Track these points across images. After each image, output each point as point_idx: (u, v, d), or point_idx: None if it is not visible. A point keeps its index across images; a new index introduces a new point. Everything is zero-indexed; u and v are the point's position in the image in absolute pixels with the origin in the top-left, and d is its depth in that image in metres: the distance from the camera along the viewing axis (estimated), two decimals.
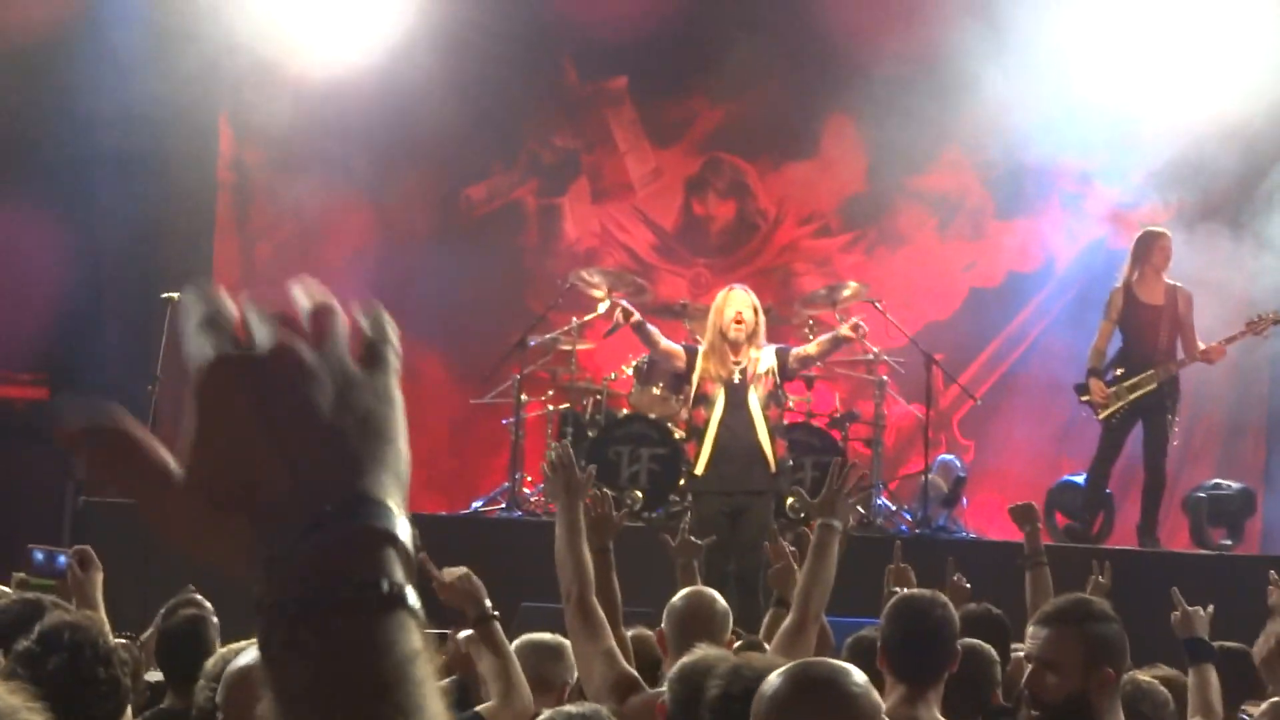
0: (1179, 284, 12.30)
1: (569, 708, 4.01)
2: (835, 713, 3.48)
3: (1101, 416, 12.25)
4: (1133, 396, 12.09)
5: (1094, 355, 12.39)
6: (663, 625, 5.58)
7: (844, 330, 11.01)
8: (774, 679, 3.58)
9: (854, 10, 15.16)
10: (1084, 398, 12.40)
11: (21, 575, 7.94)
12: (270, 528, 1.16)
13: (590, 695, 5.41)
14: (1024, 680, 4.59)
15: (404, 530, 1.18)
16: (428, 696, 1.13)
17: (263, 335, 1.22)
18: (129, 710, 4.39)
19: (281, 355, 1.20)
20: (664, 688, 5.35)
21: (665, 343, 11.04)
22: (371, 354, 1.27)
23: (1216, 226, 14.53)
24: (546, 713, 4.01)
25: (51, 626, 4.22)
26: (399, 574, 1.16)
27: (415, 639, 1.15)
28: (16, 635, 4.35)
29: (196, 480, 1.19)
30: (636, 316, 11.02)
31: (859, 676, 3.57)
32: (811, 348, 11.12)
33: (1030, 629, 4.70)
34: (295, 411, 1.18)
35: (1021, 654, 5.48)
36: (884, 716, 3.62)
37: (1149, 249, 12.30)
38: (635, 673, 5.50)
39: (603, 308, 11.60)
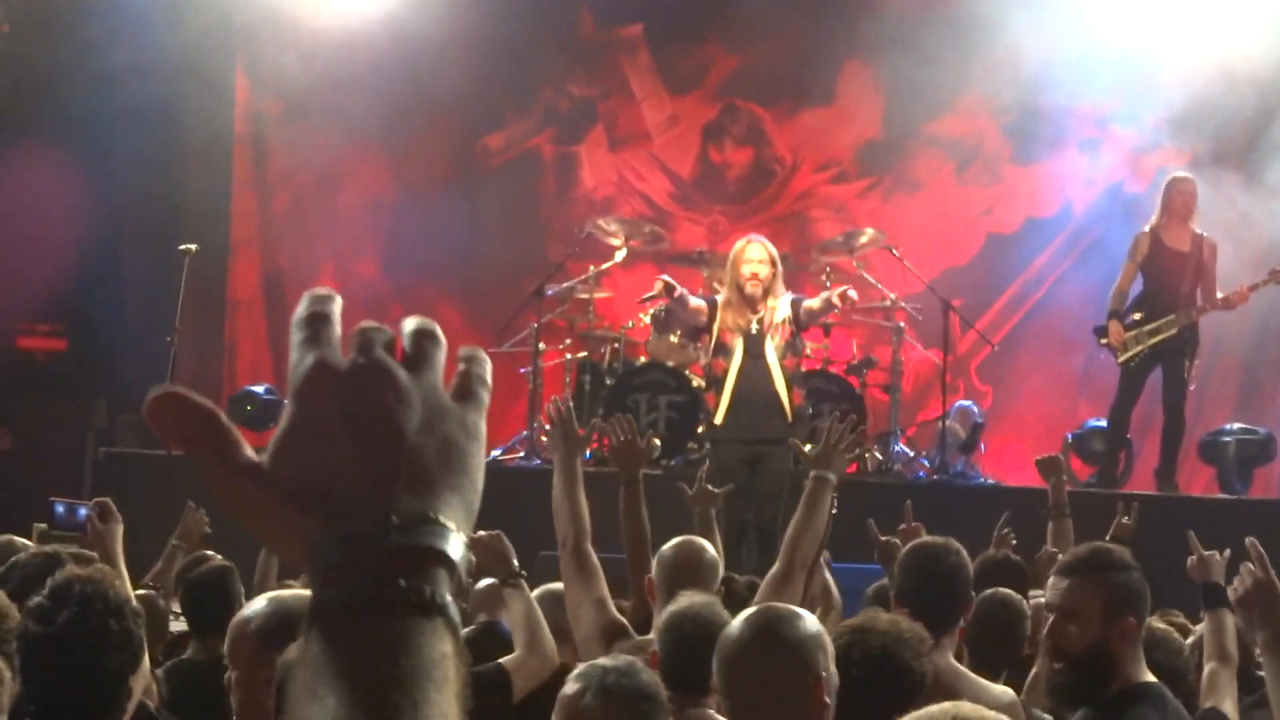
0: (1205, 233, 12.26)
1: (604, 660, 3.99)
2: (785, 656, 3.59)
3: (1121, 360, 12.22)
4: (1152, 341, 12.07)
5: (1116, 297, 12.35)
6: (653, 573, 5.57)
7: (834, 297, 10.93)
8: (735, 622, 3.67)
9: None
10: (1103, 340, 12.36)
11: (43, 527, 7.98)
12: (335, 530, 1.23)
13: (579, 640, 5.46)
14: (1045, 631, 4.57)
15: (457, 552, 1.25)
16: (444, 697, 1.20)
17: (365, 351, 1.30)
18: (145, 662, 4.39)
19: (379, 372, 1.28)
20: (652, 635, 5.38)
21: (694, 302, 11.01)
22: (464, 388, 1.36)
23: (1229, 172, 14.51)
24: (581, 666, 3.99)
25: (62, 581, 4.23)
26: (443, 588, 1.23)
27: (447, 645, 1.22)
28: (34, 590, 4.37)
29: (278, 473, 1.26)
30: (680, 291, 10.98)
31: (811, 622, 3.68)
32: (815, 303, 11.03)
33: (1051, 579, 4.66)
34: (382, 427, 1.26)
35: (1038, 601, 5.46)
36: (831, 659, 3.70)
37: (1169, 194, 12.30)
38: (624, 620, 5.53)
39: (657, 286, 11.54)
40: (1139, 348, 12.11)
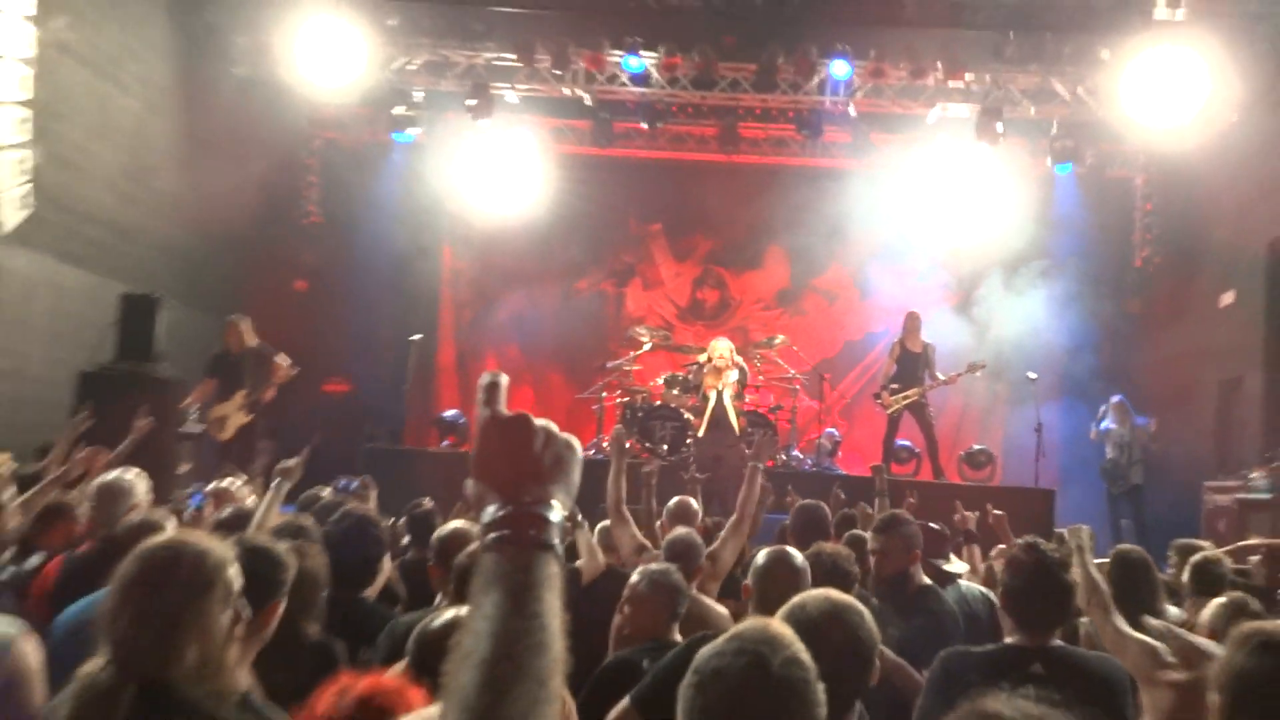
0: (929, 341, 12.39)
1: (653, 565, 3.92)
2: (790, 571, 3.49)
3: (889, 412, 12.33)
4: (905, 402, 12.20)
5: (884, 378, 12.50)
6: (663, 518, 5.49)
7: (743, 363, 11.63)
8: (759, 557, 3.57)
9: (781, 187, 15.20)
10: (879, 401, 12.43)
11: (332, 487, 7.94)
12: (499, 501, 1.28)
13: (622, 555, 5.36)
14: (872, 566, 4.55)
15: (557, 516, 1.28)
16: (553, 594, 1.24)
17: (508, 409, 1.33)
18: (387, 557, 4.42)
19: (523, 420, 1.32)
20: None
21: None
22: (566, 434, 1.36)
23: (972, 309, 14.66)
24: (641, 567, 3.90)
25: (346, 510, 4.33)
26: (552, 535, 1.26)
27: (554, 569, 1.25)
28: (329, 516, 4.41)
29: (475, 473, 1.31)
30: (707, 356, 11.52)
31: (799, 558, 3.58)
32: (738, 372, 11.39)
33: (870, 535, 4.65)
34: (523, 448, 1.30)
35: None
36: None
37: (905, 322, 12.47)
38: (647, 542, 5.44)
39: (702, 357, 11.85)
40: (898, 406, 12.24)
